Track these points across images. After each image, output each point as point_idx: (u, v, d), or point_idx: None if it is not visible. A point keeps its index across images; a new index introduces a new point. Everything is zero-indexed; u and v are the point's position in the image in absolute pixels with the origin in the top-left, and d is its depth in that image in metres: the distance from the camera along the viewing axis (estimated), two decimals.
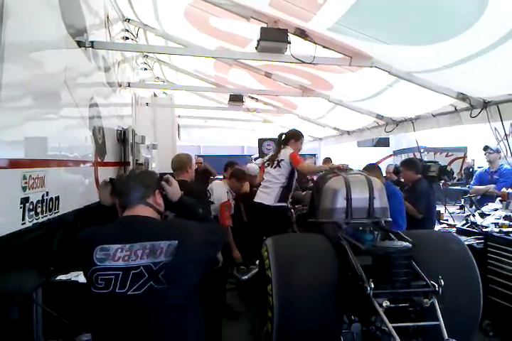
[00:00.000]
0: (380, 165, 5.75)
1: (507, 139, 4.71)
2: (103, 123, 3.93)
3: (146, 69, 7.89)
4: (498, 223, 4.65)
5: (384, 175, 6.90)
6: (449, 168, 5.84)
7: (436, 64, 3.86)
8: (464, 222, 5.23)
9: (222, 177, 6.75)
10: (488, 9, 2.63)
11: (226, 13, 4.12)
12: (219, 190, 5.08)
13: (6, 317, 2.05)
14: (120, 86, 5.26)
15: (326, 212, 3.97)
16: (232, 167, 6.26)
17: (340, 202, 3.91)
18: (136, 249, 1.94)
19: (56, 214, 2.54)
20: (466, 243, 4.00)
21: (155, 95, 9.11)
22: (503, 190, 5.92)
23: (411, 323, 2.90)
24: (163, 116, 8.64)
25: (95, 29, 3.90)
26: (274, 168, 5.17)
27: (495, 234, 4.42)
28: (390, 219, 4.00)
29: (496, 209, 5.26)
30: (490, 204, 5.62)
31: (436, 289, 2.81)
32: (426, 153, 12.72)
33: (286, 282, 3.23)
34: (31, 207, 2.17)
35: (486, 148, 6.75)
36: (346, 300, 3.21)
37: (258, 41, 3.91)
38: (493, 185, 6.60)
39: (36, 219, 2.23)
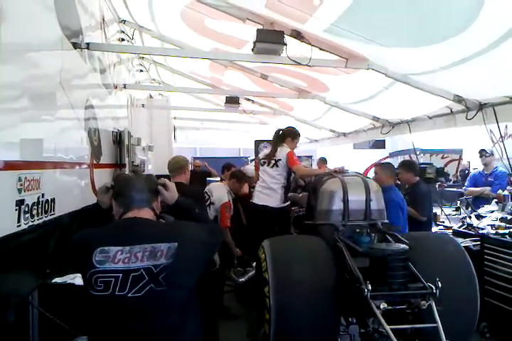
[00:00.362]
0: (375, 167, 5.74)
1: (502, 141, 4.73)
2: (99, 125, 3.92)
3: (141, 70, 7.88)
4: (494, 225, 4.67)
5: None
6: (445, 170, 5.85)
7: (432, 66, 3.86)
8: (461, 223, 5.24)
9: (219, 179, 6.75)
10: (484, 11, 2.64)
11: (222, 14, 4.11)
12: (219, 190, 5.07)
13: (2, 319, 2.04)
14: (116, 87, 5.25)
15: (323, 213, 3.97)
16: (230, 169, 6.26)
17: (337, 204, 3.92)
18: (137, 251, 1.93)
19: (52, 216, 2.53)
20: (462, 245, 4.01)
21: (151, 97, 9.10)
22: (499, 191, 5.93)
23: (408, 325, 2.91)
24: (159, 118, 8.63)
25: (91, 31, 3.89)
26: (272, 167, 5.12)
27: (491, 235, 4.43)
28: (386, 221, 4.01)
29: (492, 211, 5.28)
30: (486, 206, 5.64)
31: (434, 291, 2.81)
32: (422, 155, 12.76)
33: (283, 284, 3.23)
34: (27, 209, 2.15)
35: (481, 151, 6.77)
36: (344, 302, 3.20)
37: (254, 43, 3.90)
38: (488, 188, 6.63)
39: (32, 222, 2.22)
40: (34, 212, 2.25)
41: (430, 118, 5.51)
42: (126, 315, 1.88)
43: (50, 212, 2.50)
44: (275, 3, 3.56)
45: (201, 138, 12.81)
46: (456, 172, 12.26)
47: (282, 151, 5.09)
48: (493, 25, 2.83)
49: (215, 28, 4.94)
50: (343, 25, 3.44)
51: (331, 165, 8.58)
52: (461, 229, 5.04)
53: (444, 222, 5.94)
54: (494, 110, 4.24)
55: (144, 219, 2.09)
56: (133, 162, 5.31)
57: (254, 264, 4.33)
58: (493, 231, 4.49)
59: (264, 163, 5.23)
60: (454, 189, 9.91)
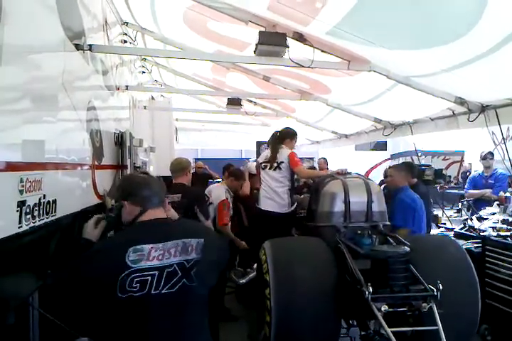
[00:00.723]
0: (377, 168, 5.75)
1: (505, 143, 4.73)
2: (101, 126, 3.93)
3: (144, 72, 7.89)
4: (495, 227, 4.66)
5: (382, 178, 6.92)
6: (444, 172, 5.83)
7: (434, 68, 3.87)
8: (462, 225, 5.23)
9: (220, 180, 6.76)
10: (486, 14, 2.64)
11: (224, 16, 4.12)
12: (217, 190, 5.14)
13: (2, 321, 2.04)
14: (118, 89, 5.25)
15: (325, 215, 3.98)
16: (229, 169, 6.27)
17: (339, 206, 3.92)
18: (170, 247, 1.99)
19: (53, 218, 2.53)
20: (464, 247, 4.01)
21: (153, 98, 9.11)
22: (501, 193, 5.93)
23: (409, 328, 2.90)
24: (161, 120, 8.63)
25: (93, 32, 3.89)
26: (275, 170, 5.05)
27: (493, 238, 4.42)
28: (388, 222, 4.01)
29: (494, 213, 5.27)
30: (487, 208, 5.63)
31: (435, 293, 2.81)
32: (423, 156, 12.74)
33: (284, 286, 3.23)
34: (28, 210, 2.15)
35: (488, 154, 6.78)
36: (344, 304, 3.20)
37: (256, 45, 3.90)
38: (488, 190, 6.64)
39: (33, 223, 2.22)
40: (35, 213, 2.25)
41: (432, 120, 5.51)
42: (156, 312, 1.92)
43: (52, 213, 2.50)
44: (278, 5, 3.57)
45: (203, 139, 12.81)
46: (458, 174, 12.24)
47: (283, 153, 5.05)
48: (495, 28, 2.83)
49: (218, 30, 4.94)
50: (345, 28, 3.44)
51: (333, 166, 8.59)
52: (462, 231, 5.03)
53: (445, 224, 5.94)
54: (496, 112, 4.24)
55: (166, 218, 2.20)
56: (135, 163, 5.31)
57: (255, 266, 4.33)
58: (495, 234, 4.48)
59: (266, 166, 5.15)
60: (456, 191, 9.90)
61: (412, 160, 9.84)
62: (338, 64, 4.33)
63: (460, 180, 10.39)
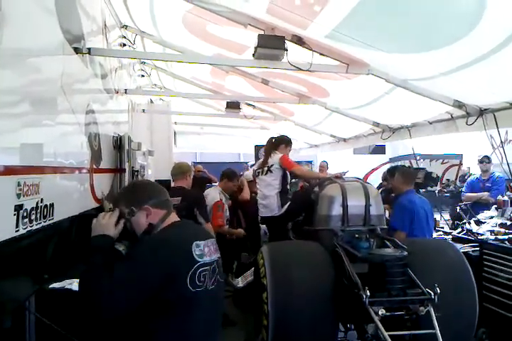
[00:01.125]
0: (376, 172, 5.76)
1: (503, 147, 4.74)
2: (99, 129, 3.93)
3: (143, 75, 7.89)
4: (493, 230, 4.65)
5: (380, 182, 6.93)
6: (434, 175, 5.82)
7: (432, 71, 3.87)
8: (460, 229, 5.23)
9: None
10: (484, 17, 2.65)
11: (223, 20, 4.12)
12: (211, 193, 5.28)
13: None
14: (117, 92, 5.26)
15: (322, 219, 3.98)
16: None
17: (337, 210, 3.92)
18: (210, 244, 2.09)
19: (51, 221, 2.52)
20: (461, 250, 4.01)
21: (151, 102, 9.11)
22: (499, 197, 5.94)
23: (407, 331, 2.90)
24: (160, 123, 8.63)
25: (92, 35, 3.90)
26: (266, 174, 5.06)
27: (490, 241, 4.42)
28: (385, 226, 4.01)
29: (492, 217, 5.27)
30: (485, 211, 5.63)
31: (432, 297, 2.80)
32: (422, 160, 12.75)
33: (282, 290, 3.23)
34: (25, 214, 2.15)
35: (484, 157, 6.80)
36: (342, 308, 3.20)
37: (255, 48, 3.91)
38: (486, 193, 6.65)
39: (30, 226, 2.22)
40: (33, 216, 2.25)
41: (430, 123, 5.51)
42: (209, 305, 2.00)
43: (49, 216, 2.50)
44: (276, 8, 3.58)
45: (201, 143, 12.81)
46: (456, 177, 12.25)
47: (274, 157, 5.05)
48: (493, 31, 2.84)
49: (217, 33, 4.95)
50: (343, 31, 3.45)
51: (332, 170, 8.60)
52: (460, 235, 5.03)
53: (443, 228, 5.93)
54: (494, 116, 4.24)
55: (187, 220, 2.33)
56: (133, 167, 5.31)
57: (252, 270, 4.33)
58: (493, 237, 4.48)
59: (259, 172, 5.19)
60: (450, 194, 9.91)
61: (411, 163, 9.84)
62: (337, 67, 4.34)
63: (457, 183, 10.38)
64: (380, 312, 2.75)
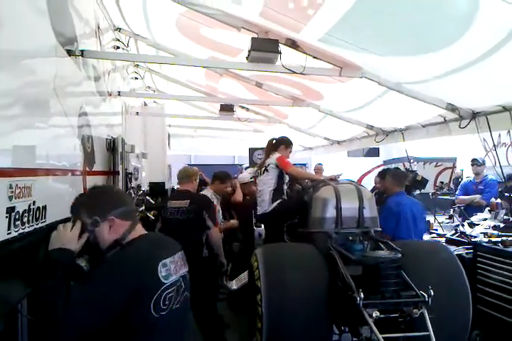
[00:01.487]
0: (369, 175, 5.78)
1: (495, 150, 4.76)
2: (92, 132, 3.91)
3: (136, 78, 7.89)
4: (487, 233, 4.68)
5: (373, 185, 6.94)
6: (419, 178, 5.83)
7: (425, 75, 3.89)
8: (453, 231, 5.25)
9: None
10: (477, 21, 2.67)
11: (217, 23, 4.13)
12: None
13: None
14: (110, 95, 5.25)
15: (316, 221, 3.98)
16: None
17: (330, 212, 3.92)
18: (178, 259, 1.95)
19: (43, 224, 2.51)
20: (455, 253, 4.02)
21: (145, 104, 9.10)
22: (492, 200, 5.97)
23: (401, 334, 2.89)
24: (154, 126, 8.61)
25: (85, 38, 3.89)
26: (263, 173, 5.10)
27: (484, 243, 4.44)
28: (379, 228, 4.01)
29: (485, 219, 5.30)
30: (479, 214, 5.66)
31: (426, 299, 2.81)
32: (415, 163, 12.78)
33: (276, 292, 3.22)
34: (17, 216, 2.13)
35: (473, 160, 6.84)
36: (336, 311, 3.19)
37: (249, 51, 3.92)
38: (478, 196, 6.70)
39: (22, 229, 2.20)
40: (25, 219, 2.23)
41: (424, 126, 5.54)
42: (171, 328, 1.87)
43: (42, 219, 2.48)
44: (270, 12, 3.59)
45: (196, 145, 12.81)
46: (450, 180, 12.29)
47: (272, 157, 5.08)
48: (486, 35, 2.86)
49: (211, 36, 4.96)
50: (337, 35, 3.47)
51: (326, 173, 8.61)
52: (453, 237, 5.04)
53: (437, 230, 5.95)
54: (487, 119, 4.27)
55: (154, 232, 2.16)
56: (126, 169, 5.29)
57: (246, 273, 4.32)
58: (486, 239, 4.50)
59: (258, 173, 5.24)
60: (448, 197, 9.94)
61: (404, 166, 9.86)
62: (330, 70, 4.36)
63: (451, 186, 10.43)
64: (374, 315, 2.74)
